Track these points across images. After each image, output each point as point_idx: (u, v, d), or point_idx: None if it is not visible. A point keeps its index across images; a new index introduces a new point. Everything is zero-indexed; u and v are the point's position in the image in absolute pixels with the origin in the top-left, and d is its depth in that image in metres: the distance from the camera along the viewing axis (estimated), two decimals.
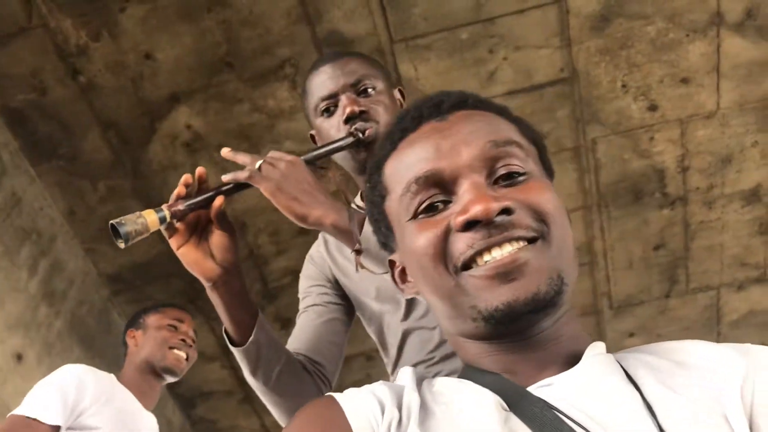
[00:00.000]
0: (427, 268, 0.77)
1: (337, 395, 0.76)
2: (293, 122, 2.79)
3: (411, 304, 1.37)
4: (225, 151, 1.26)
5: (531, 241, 0.73)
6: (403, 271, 0.85)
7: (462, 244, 0.74)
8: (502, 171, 0.77)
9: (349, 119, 1.37)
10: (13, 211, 2.67)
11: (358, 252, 1.21)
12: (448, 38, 2.66)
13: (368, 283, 1.41)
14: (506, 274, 0.71)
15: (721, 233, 3.24)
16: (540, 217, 0.74)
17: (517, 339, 0.76)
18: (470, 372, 0.79)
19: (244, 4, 2.55)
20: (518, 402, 0.71)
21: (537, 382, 0.74)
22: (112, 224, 1.10)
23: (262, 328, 1.27)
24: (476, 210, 0.72)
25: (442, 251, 0.75)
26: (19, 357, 2.54)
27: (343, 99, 1.40)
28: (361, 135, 1.35)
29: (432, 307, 0.84)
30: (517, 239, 0.73)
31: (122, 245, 1.11)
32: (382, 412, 0.72)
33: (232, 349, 1.29)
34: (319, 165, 1.33)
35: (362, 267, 1.24)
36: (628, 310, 3.51)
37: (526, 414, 0.69)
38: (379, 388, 0.76)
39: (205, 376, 3.45)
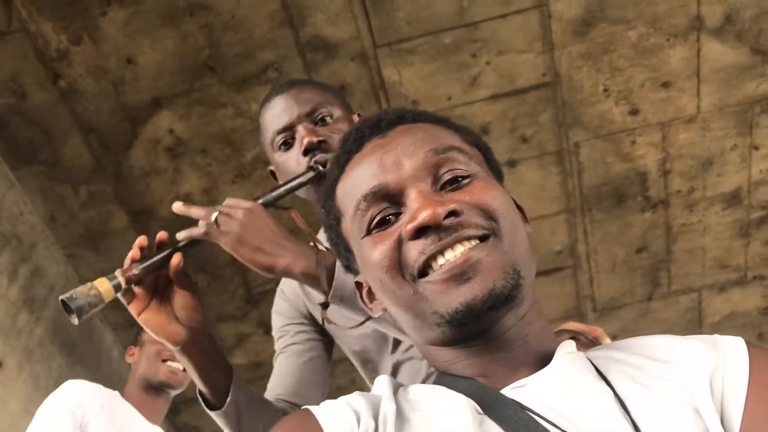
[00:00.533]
0: (385, 281, 0.78)
1: (312, 408, 0.77)
2: None
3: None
4: (177, 206, 1.18)
5: (483, 239, 0.74)
6: (369, 291, 0.86)
7: (414, 252, 0.75)
8: (446, 176, 0.78)
9: (307, 151, 1.30)
10: None
11: (324, 306, 1.15)
12: (432, 42, 2.66)
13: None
14: (461, 274, 0.72)
15: (702, 236, 3.27)
16: (488, 214, 0.75)
17: (484, 340, 0.76)
18: (444, 378, 0.79)
19: (226, 9, 2.54)
20: (492, 405, 0.71)
21: (510, 384, 0.74)
22: (62, 300, 1.03)
23: (239, 386, 1.21)
24: (423, 216, 0.73)
25: (396, 262, 0.76)
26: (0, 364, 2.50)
27: (300, 130, 1.32)
28: (321, 168, 1.27)
29: (397, 320, 0.84)
30: (468, 239, 0.74)
31: (76, 321, 1.03)
32: (358, 422, 0.72)
33: (210, 413, 1.22)
34: (280, 205, 1.25)
35: (329, 322, 1.19)
36: (611, 313, 3.53)
37: (500, 416, 0.70)
38: (354, 399, 0.76)
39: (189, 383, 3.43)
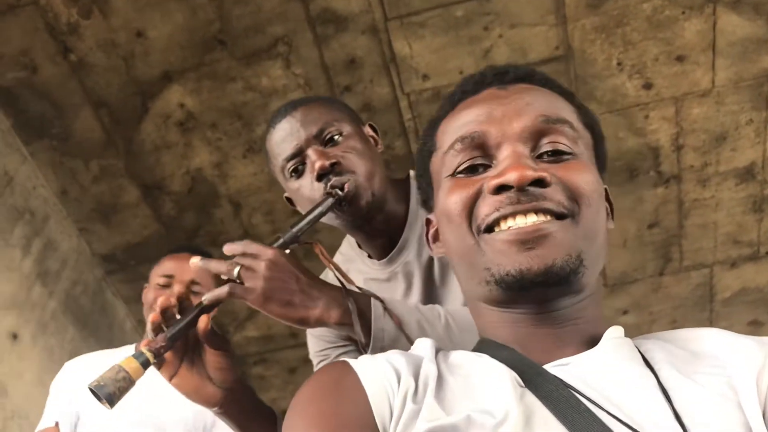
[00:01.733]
0: (453, 224, 0.79)
1: (351, 361, 0.77)
2: (286, 101, 2.77)
3: None
4: (195, 262, 1.10)
5: (560, 217, 0.74)
6: (436, 232, 0.87)
7: (489, 207, 0.75)
8: (548, 147, 0.78)
9: (321, 176, 1.23)
10: (6, 190, 2.65)
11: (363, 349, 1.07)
12: (443, 15, 2.63)
13: None
14: (525, 242, 0.72)
15: (714, 211, 3.24)
16: (573, 196, 0.75)
17: (533, 312, 0.76)
18: (486, 345, 0.79)
19: None
20: (534, 379, 0.71)
21: (553, 361, 0.74)
22: (91, 389, 0.98)
23: None
24: (510, 175, 0.73)
25: (470, 210, 0.77)
26: (14, 336, 2.53)
27: (311, 154, 1.25)
28: (339, 192, 1.21)
29: (455, 270, 0.85)
30: (545, 212, 0.73)
31: (109, 407, 0.99)
32: (398, 381, 0.72)
33: None
34: (303, 241, 1.17)
35: None
36: (622, 288, 3.52)
37: (541, 391, 0.69)
38: (395, 357, 0.76)
39: None
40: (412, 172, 1.43)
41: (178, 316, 1.06)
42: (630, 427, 0.64)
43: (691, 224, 3.29)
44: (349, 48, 2.68)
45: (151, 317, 1.04)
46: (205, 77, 2.70)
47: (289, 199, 1.38)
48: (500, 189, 0.75)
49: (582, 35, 2.70)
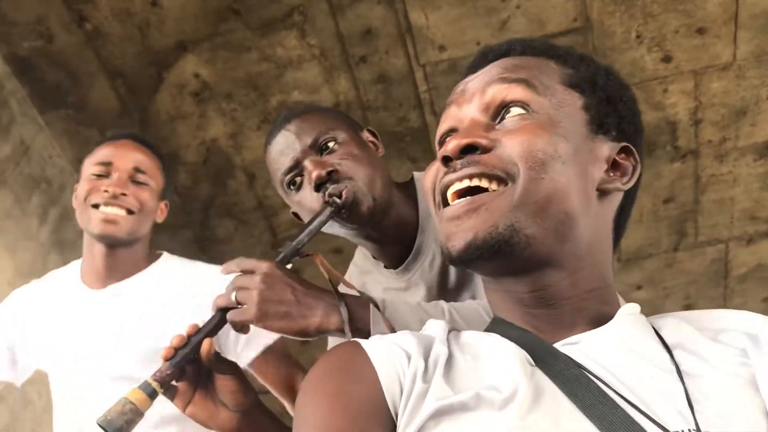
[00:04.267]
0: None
1: (361, 341, 0.77)
2: (301, 72, 2.76)
3: None
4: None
5: (500, 182, 0.74)
6: None
7: (438, 178, 0.79)
8: (506, 111, 0.78)
9: (319, 186, 1.21)
10: (23, 159, 2.67)
11: None
12: None
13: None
14: (456, 217, 0.74)
15: (732, 187, 3.21)
16: (512, 159, 0.74)
17: (520, 291, 0.76)
18: (498, 325, 0.79)
19: None
20: (544, 358, 0.71)
21: (563, 339, 0.74)
22: (99, 424, 0.97)
23: None
24: (448, 145, 0.77)
25: (434, 185, 0.80)
26: None
27: (307, 165, 1.23)
28: (337, 200, 1.19)
29: None
30: (480, 176, 0.74)
31: None
32: (408, 361, 0.72)
33: None
34: (303, 253, 1.15)
35: None
36: (636, 263, 3.51)
37: (551, 370, 0.69)
38: (405, 338, 0.76)
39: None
40: (416, 174, 1.39)
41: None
42: (638, 409, 0.64)
43: (708, 200, 3.26)
44: (364, 18, 2.65)
45: (164, 353, 1.03)
46: (220, 47, 2.69)
47: (296, 214, 1.35)
48: (445, 161, 0.77)
49: (601, 7, 2.66)
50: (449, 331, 0.79)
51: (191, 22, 2.63)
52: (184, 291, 1.65)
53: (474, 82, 0.83)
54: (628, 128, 0.84)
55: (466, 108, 0.81)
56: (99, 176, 1.65)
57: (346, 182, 1.21)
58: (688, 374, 0.67)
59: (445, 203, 0.77)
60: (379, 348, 0.75)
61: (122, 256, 1.68)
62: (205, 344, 1.04)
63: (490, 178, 0.74)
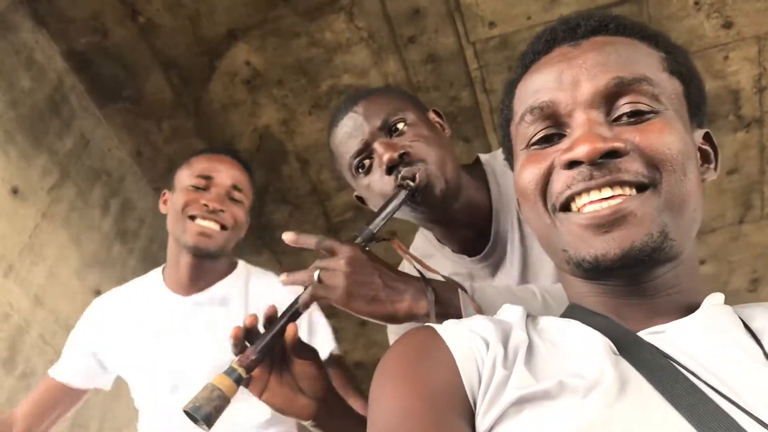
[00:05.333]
0: (529, 202, 0.76)
1: (436, 326, 0.76)
2: (350, 55, 2.75)
3: None
4: (282, 278, 1.05)
5: (640, 188, 0.69)
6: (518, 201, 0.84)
7: (561, 184, 0.72)
8: (625, 108, 0.72)
9: (391, 169, 1.17)
10: (84, 152, 2.75)
11: None
12: None
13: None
14: (601, 225, 0.69)
15: None
16: (653, 162, 0.69)
17: (623, 284, 0.73)
18: (577, 311, 0.76)
19: None
20: (628, 346, 0.68)
21: (647, 328, 0.71)
22: (186, 411, 0.95)
23: None
24: (579, 150, 0.69)
25: (543, 187, 0.74)
26: (98, 293, 2.65)
27: (377, 147, 1.19)
28: (411, 183, 1.15)
29: (539, 242, 0.83)
30: (621, 184, 0.69)
31: (207, 429, 0.95)
32: (487, 347, 0.70)
33: None
34: (380, 237, 1.12)
35: None
36: (700, 238, 3.41)
37: (636, 359, 0.66)
38: (482, 324, 0.75)
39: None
40: (483, 156, 1.35)
41: (261, 330, 1.04)
42: (729, 400, 0.61)
43: None
44: None
45: (233, 332, 1.02)
46: (270, 34, 2.71)
47: (360, 198, 1.32)
48: (572, 164, 0.71)
49: None
50: (527, 317, 0.77)
51: (241, 10, 2.65)
52: (257, 303, 1.68)
53: (576, 66, 0.75)
54: (706, 113, 0.81)
55: (569, 96, 0.74)
56: (197, 188, 1.68)
57: (418, 164, 1.17)
58: None
59: (565, 207, 0.72)
60: (455, 334, 0.73)
61: (207, 267, 1.72)
62: (290, 329, 1.02)
63: (631, 185, 0.69)
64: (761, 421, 0.58)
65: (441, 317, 0.99)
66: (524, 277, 1.27)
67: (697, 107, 0.78)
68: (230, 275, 1.78)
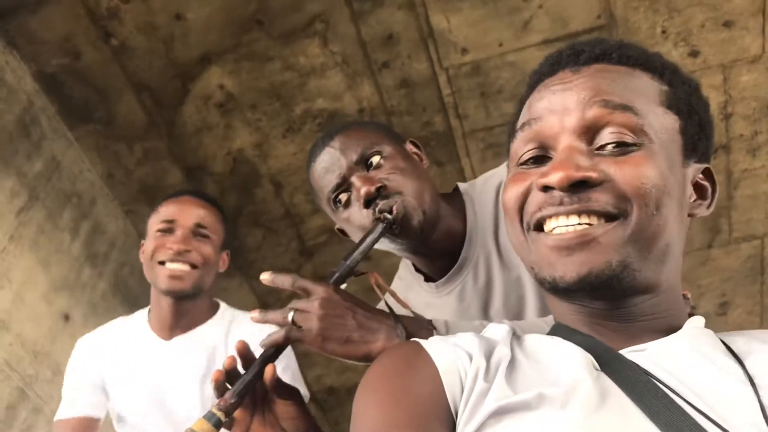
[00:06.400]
0: (508, 217, 0.79)
1: (422, 342, 0.77)
2: (324, 79, 2.77)
3: None
4: (254, 316, 1.07)
5: (609, 218, 0.71)
6: None
7: (534, 205, 0.75)
8: (609, 138, 0.74)
9: (368, 202, 1.19)
10: (54, 175, 2.72)
11: None
12: None
13: None
14: (564, 248, 0.71)
15: (765, 181, 3.15)
16: (625, 195, 0.71)
17: (599, 308, 0.74)
18: (561, 330, 0.78)
19: None
20: (610, 363, 0.69)
21: (629, 347, 0.72)
22: None
23: None
24: (553, 177, 0.72)
25: (521, 206, 0.77)
26: (66, 317, 2.61)
27: (354, 181, 1.21)
28: (389, 216, 1.16)
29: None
30: (589, 213, 0.71)
31: None
32: (470, 360, 0.72)
33: None
34: (358, 271, 1.13)
35: None
36: None
37: (618, 375, 0.67)
38: (464, 339, 0.77)
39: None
40: (461, 185, 1.37)
41: (242, 371, 1.04)
42: (708, 417, 0.61)
43: (741, 195, 3.20)
44: (386, 23, 2.66)
45: (214, 375, 1.02)
46: (244, 58, 2.71)
47: (341, 231, 1.34)
48: (546, 188, 0.73)
49: (625, 3, 2.63)
50: (512, 335, 0.79)
51: (215, 34, 2.65)
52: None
53: (569, 92, 0.77)
54: (709, 149, 0.82)
55: (557, 121, 0.76)
56: (164, 232, 1.73)
57: (395, 197, 1.19)
58: (762, 386, 0.65)
59: (538, 227, 0.75)
60: (440, 347, 0.75)
61: (188, 307, 1.77)
62: (269, 370, 1.03)
63: (599, 215, 0.71)
64: None
65: None
66: (488, 305, 1.28)
67: (694, 143, 0.79)
68: (212, 318, 1.80)
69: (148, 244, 1.76)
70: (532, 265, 0.75)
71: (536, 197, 0.74)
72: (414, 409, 0.68)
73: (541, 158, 0.77)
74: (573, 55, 0.81)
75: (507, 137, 0.88)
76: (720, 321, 3.72)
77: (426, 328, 1.04)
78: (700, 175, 0.81)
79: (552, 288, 0.72)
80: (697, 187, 0.80)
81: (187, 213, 1.75)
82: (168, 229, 1.73)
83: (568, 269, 0.70)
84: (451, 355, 0.73)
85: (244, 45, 2.68)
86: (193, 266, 1.71)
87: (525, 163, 0.78)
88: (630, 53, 0.81)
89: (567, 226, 0.71)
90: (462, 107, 2.86)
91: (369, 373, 0.76)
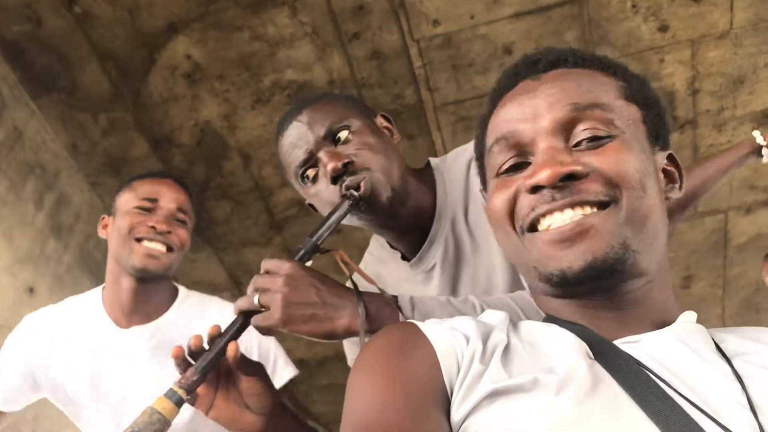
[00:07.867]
0: (499, 225, 0.81)
1: (418, 323, 0.79)
2: (293, 50, 2.73)
3: None
4: (236, 309, 1.06)
5: (601, 206, 0.73)
6: None
7: (526, 207, 0.77)
8: (584, 134, 0.77)
9: (335, 178, 1.17)
10: (16, 145, 2.65)
11: None
12: None
13: None
14: (564, 240, 0.73)
15: None
16: (613, 182, 0.74)
17: (595, 298, 0.76)
18: (554, 320, 0.80)
19: None
20: (603, 352, 0.71)
21: (622, 338, 0.74)
22: None
23: None
24: (541, 175, 0.74)
25: (511, 211, 0.79)
26: (30, 290, 2.57)
27: (322, 157, 1.19)
28: (355, 192, 1.15)
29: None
30: (582, 204, 0.73)
31: None
32: (467, 342, 0.73)
33: None
34: (324, 248, 1.11)
35: None
36: None
37: (611, 365, 0.69)
38: (461, 322, 0.78)
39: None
40: (432, 160, 1.36)
41: (206, 347, 1.03)
42: (700, 409, 0.63)
43: None
44: None
45: (174, 351, 1.01)
46: (211, 27, 2.66)
47: (311, 205, 1.32)
48: (535, 188, 0.75)
49: None
50: (508, 321, 0.80)
51: (181, 2, 2.59)
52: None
53: (536, 99, 0.80)
54: (668, 137, 0.85)
55: (531, 126, 0.79)
56: (144, 210, 1.69)
57: (363, 173, 1.17)
58: (749, 382, 0.67)
59: (532, 228, 0.76)
60: (437, 330, 0.76)
61: (149, 291, 1.71)
62: (231, 347, 1.02)
63: (592, 204, 0.73)
64: (728, 429, 0.61)
65: (371, 334, 0.99)
66: (456, 280, 1.28)
67: (656, 131, 0.83)
68: (172, 307, 1.75)
69: (122, 220, 1.69)
70: (533, 264, 0.76)
71: (526, 200, 0.76)
72: (409, 392, 0.69)
73: (520, 165, 0.80)
74: (530, 64, 0.85)
75: (476, 155, 0.91)
76: (684, 294, 3.79)
77: (389, 305, 1.04)
78: (666, 161, 0.85)
79: (561, 281, 0.73)
80: (666, 174, 0.84)
81: (170, 195, 1.73)
82: (149, 208, 1.69)
83: (575, 258, 0.72)
84: (448, 338, 0.74)
85: (212, 14, 2.63)
86: (170, 249, 1.68)
87: (505, 172, 0.81)
88: (584, 56, 0.85)
89: (563, 220, 0.73)
90: (433, 80, 2.85)
91: (364, 352, 0.77)
